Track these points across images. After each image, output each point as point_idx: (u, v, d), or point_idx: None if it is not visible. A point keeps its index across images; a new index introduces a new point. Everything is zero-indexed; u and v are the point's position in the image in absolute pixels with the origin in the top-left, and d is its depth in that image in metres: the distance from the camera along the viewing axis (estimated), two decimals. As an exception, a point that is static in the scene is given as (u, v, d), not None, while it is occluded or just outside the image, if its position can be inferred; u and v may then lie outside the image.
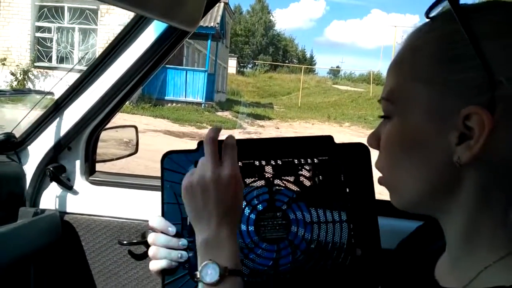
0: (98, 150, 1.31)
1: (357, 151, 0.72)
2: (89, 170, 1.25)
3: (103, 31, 12.22)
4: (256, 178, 0.70)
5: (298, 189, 0.70)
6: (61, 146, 1.20)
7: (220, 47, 18.59)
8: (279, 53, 56.49)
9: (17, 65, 12.04)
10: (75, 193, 1.22)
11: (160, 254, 0.65)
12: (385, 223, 1.06)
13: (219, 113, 15.45)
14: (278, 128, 14.23)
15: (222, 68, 22.21)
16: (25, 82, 11.95)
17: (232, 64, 30.36)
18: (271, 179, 0.70)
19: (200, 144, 0.67)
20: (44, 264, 1.24)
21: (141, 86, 1.19)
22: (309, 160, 0.71)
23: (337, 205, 0.70)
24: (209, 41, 15.60)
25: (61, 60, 12.68)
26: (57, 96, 1.19)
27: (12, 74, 11.85)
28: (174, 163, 0.68)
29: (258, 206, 0.69)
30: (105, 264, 1.21)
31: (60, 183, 1.20)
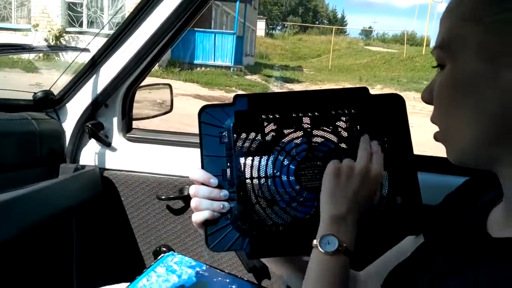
0: (133, 111, 1.32)
1: (393, 101, 0.71)
2: (126, 127, 1.26)
3: (132, -6, 12.17)
4: (294, 129, 0.69)
5: (337, 139, 0.69)
6: (99, 103, 1.21)
7: (248, 9, 18.24)
8: (309, 14, 55.06)
9: (49, 31, 12.22)
10: (113, 149, 1.24)
11: (202, 205, 0.66)
12: (428, 178, 1.04)
13: (248, 77, 15.35)
14: (308, 91, 14.05)
15: (250, 30, 21.88)
16: (57, 47, 12.14)
17: (260, 27, 29.85)
18: (309, 129, 0.69)
19: (236, 97, 0.68)
20: (86, 218, 1.29)
21: (173, 43, 1.18)
22: (346, 110, 0.70)
23: None
24: (237, 2, 15.32)
25: (91, 24, 12.76)
26: (93, 53, 1.19)
27: (45, 40, 12.05)
28: (211, 117, 0.69)
29: (297, 157, 0.68)
30: (144, 219, 1.25)
31: (99, 139, 1.22)
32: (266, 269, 1.17)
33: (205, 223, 0.67)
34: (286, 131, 0.69)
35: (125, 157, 1.24)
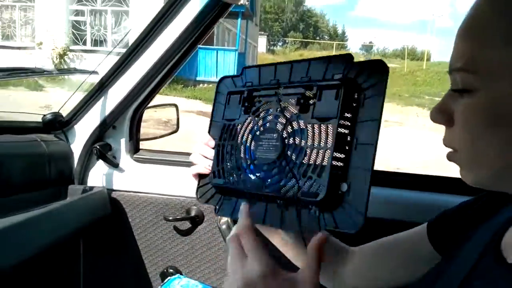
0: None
1: (376, 68, 0.59)
2: (134, 148, 1.27)
3: (135, 12, 12.31)
4: (269, 100, 0.69)
5: (298, 110, 0.64)
6: (107, 125, 1.22)
7: (250, 25, 18.42)
8: (309, 29, 55.52)
9: (53, 49, 12.35)
10: (121, 170, 1.25)
11: (194, 160, 0.75)
12: (428, 197, 1.05)
13: (251, 92, 15.40)
14: (310, 106, 14.08)
15: (252, 47, 22.05)
16: (61, 65, 12.26)
17: (262, 43, 30.10)
18: (280, 99, 0.67)
19: (243, 69, 0.74)
20: (93, 239, 1.29)
21: (182, 64, 1.19)
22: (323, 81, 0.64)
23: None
24: (239, 19, 15.48)
25: (95, 43, 12.90)
26: (101, 75, 1.20)
27: (49, 58, 12.17)
28: (224, 86, 0.77)
29: (262, 125, 0.68)
30: (151, 240, 1.25)
31: (107, 161, 1.23)
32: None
33: (199, 176, 0.77)
34: (263, 99, 0.70)
35: (132, 178, 1.25)
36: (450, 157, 0.53)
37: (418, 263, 0.69)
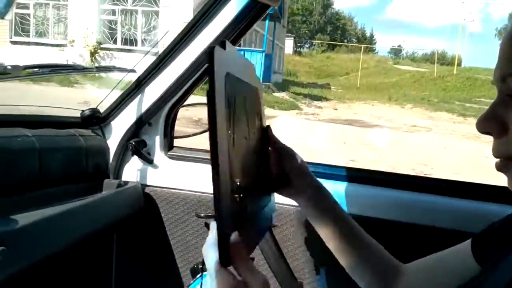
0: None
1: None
2: (168, 145, 1.30)
3: (164, 13, 12.49)
4: None
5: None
6: (142, 122, 1.25)
7: (277, 27, 18.43)
8: (337, 32, 55.14)
9: (84, 47, 12.64)
10: (155, 167, 1.27)
11: None
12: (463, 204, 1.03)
13: (276, 94, 15.42)
14: (336, 109, 14.00)
15: (279, 48, 22.05)
16: (92, 63, 12.55)
17: (289, 44, 30.07)
18: None
19: None
20: (126, 233, 1.32)
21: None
22: None
23: None
24: (267, 20, 15.51)
25: (125, 42, 13.15)
26: (138, 74, 1.23)
27: (80, 56, 12.47)
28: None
29: None
30: (183, 236, 1.26)
31: (141, 157, 1.25)
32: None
33: None
34: None
35: (166, 174, 1.27)
36: (502, 167, 0.51)
37: (464, 280, 0.68)
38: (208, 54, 0.50)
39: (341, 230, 0.77)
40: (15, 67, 0.96)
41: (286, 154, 0.78)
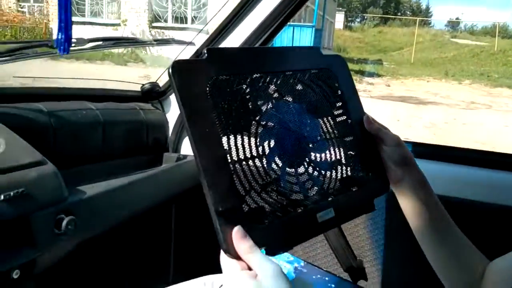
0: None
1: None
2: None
3: (214, -11, 12.47)
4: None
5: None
6: (201, 96, 1.24)
7: (327, 1, 17.94)
8: (390, 5, 52.96)
9: (137, 25, 12.90)
10: (214, 141, 1.27)
11: None
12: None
13: (326, 70, 15.11)
14: (388, 86, 13.54)
15: (329, 23, 21.51)
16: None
17: (339, 19, 29.24)
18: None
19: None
20: (185, 206, 1.33)
21: (275, 37, 1.18)
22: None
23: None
24: (317, -6, 15.12)
25: (175, 20, 13.28)
26: (197, 47, 1.22)
27: (133, 34, 12.75)
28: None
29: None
30: (241, 210, 1.26)
31: (200, 130, 1.25)
32: (363, 269, 1.14)
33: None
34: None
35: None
36: None
37: None
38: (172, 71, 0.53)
39: (438, 228, 0.72)
40: (79, 40, 0.97)
41: (391, 140, 0.73)
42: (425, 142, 1.17)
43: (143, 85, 1.27)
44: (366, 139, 0.73)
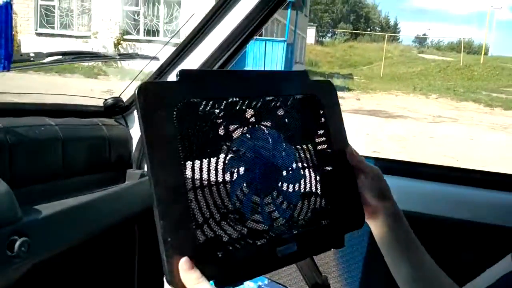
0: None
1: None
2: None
3: (186, 3, 12.49)
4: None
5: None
6: (165, 111, 1.22)
7: (299, 16, 18.24)
8: (360, 21, 54.28)
9: (107, 38, 12.77)
10: (178, 157, 1.25)
11: None
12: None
13: (298, 84, 15.28)
14: (359, 100, 13.81)
15: (300, 38, 21.84)
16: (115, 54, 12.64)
17: (311, 34, 29.74)
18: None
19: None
20: (149, 224, 1.30)
21: (239, 54, 1.18)
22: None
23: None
24: (289, 9, 15.34)
25: (147, 33, 13.22)
26: (161, 62, 1.21)
27: (104, 47, 12.61)
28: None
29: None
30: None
31: (164, 147, 1.23)
32: (328, 286, 1.14)
33: None
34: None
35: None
36: None
37: None
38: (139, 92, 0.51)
39: (411, 260, 0.71)
40: (38, 54, 0.95)
41: (370, 173, 0.71)
42: (388, 158, 1.19)
43: (105, 100, 1.25)
44: (345, 171, 0.70)
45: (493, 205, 0.98)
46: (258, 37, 14.92)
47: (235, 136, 0.60)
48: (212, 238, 0.54)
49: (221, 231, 0.55)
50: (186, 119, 0.54)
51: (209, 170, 0.56)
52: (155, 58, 1.23)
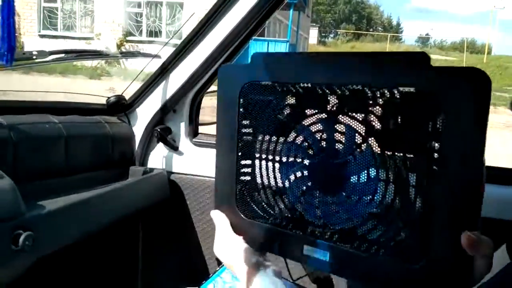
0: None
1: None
2: (193, 132, 1.28)
3: (189, 4, 12.51)
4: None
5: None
6: (167, 109, 1.24)
7: (301, 17, 18.24)
8: (362, 21, 54.20)
9: (110, 39, 12.79)
10: (180, 154, 1.27)
11: None
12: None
13: (301, 84, 15.26)
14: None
15: (303, 38, 21.84)
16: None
17: (313, 34, 29.73)
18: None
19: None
20: (152, 220, 1.32)
21: (239, 52, 1.19)
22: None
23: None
24: (291, 10, 15.35)
25: (150, 34, 13.24)
26: (163, 60, 1.22)
27: (108, 49, 12.64)
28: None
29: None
30: (209, 223, 1.25)
31: (167, 144, 1.25)
32: (330, 281, 1.15)
33: None
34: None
35: (191, 161, 1.26)
36: None
37: None
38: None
39: None
40: (40, 52, 0.96)
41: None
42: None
43: (108, 98, 1.26)
44: (460, 208, 0.47)
45: (489, 199, 0.99)
46: (260, 37, 14.92)
47: (307, 122, 0.57)
48: (262, 201, 0.64)
49: (274, 202, 0.63)
50: (248, 97, 0.62)
51: (268, 148, 0.62)
52: (156, 56, 1.24)
